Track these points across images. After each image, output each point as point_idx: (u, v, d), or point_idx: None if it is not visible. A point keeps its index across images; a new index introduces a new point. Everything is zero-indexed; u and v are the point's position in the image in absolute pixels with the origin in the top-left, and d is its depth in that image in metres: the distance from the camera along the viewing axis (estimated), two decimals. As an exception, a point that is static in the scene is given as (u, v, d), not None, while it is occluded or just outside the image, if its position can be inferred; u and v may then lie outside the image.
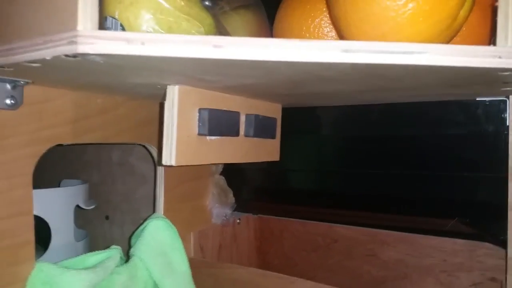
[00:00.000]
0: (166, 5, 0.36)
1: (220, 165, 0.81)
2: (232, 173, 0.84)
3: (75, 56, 0.28)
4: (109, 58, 0.29)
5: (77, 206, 0.68)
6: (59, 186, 0.79)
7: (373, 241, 0.77)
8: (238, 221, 0.87)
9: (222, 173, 0.82)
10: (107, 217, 0.88)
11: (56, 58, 0.29)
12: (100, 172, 0.87)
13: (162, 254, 0.62)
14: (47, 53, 0.29)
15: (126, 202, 0.85)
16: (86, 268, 0.51)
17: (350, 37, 0.39)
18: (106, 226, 0.88)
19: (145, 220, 0.65)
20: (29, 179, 0.46)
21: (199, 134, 0.44)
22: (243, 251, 0.89)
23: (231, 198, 0.84)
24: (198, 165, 0.75)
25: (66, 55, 0.28)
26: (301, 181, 0.83)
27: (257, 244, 0.93)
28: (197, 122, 0.44)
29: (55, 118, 0.48)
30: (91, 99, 0.53)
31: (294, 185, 0.84)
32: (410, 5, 0.34)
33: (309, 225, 0.85)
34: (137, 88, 0.48)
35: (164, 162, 0.42)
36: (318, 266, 0.84)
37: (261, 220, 0.92)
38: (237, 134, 0.49)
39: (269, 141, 0.58)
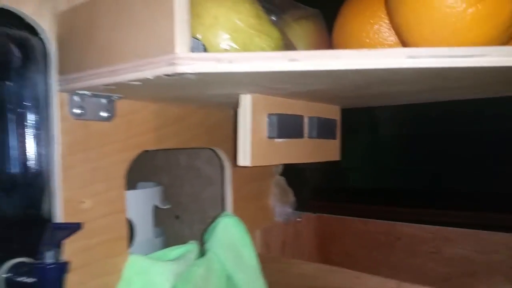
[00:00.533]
0: (240, 24, 0.41)
1: (280, 166, 0.85)
2: (292, 173, 0.88)
3: (173, 75, 0.33)
4: (201, 75, 0.33)
5: (155, 206, 0.75)
6: (135, 189, 0.86)
7: (436, 238, 0.77)
8: (299, 219, 0.91)
9: (282, 174, 0.86)
10: (177, 217, 0.94)
11: (156, 78, 0.34)
12: (169, 175, 0.93)
13: (233, 249, 0.67)
14: (149, 74, 0.34)
15: (194, 203, 0.91)
16: (170, 260, 0.57)
17: (411, 42, 0.41)
18: (176, 225, 0.94)
19: (215, 218, 0.70)
20: (122, 181, 0.52)
21: (269, 137, 0.48)
22: (305, 248, 0.92)
23: (291, 197, 0.87)
24: (260, 166, 0.80)
25: (166, 75, 0.33)
26: (360, 179, 0.85)
27: (318, 242, 0.96)
28: (267, 126, 0.48)
29: (141, 127, 0.54)
30: (169, 109, 0.59)
31: (353, 184, 0.86)
32: (470, 11, 0.36)
33: (370, 223, 0.87)
34: (211, 98, 0.53)
35: (240, 163, 0.47)
36: (381, 264, 0.86)
37: (320, 218, 0.95)
38: (301, 135, 0.53)
39: (330, 141, 0.61)
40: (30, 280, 0.43)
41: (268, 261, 0.74)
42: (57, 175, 0.45)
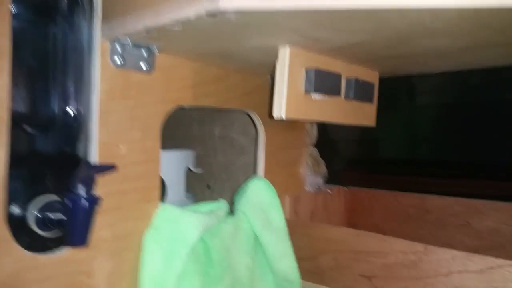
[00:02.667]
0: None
1: (314, 137, 0.86)
2: (325, 145, 0.88)
3: (214, 15, 0.34)
4: (242, 15, 0.34)
5: (188, 169, 0.77)
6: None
7: (467, 211, 0.77)
8: (329, 191, 0.92)
9: (315, 145, 0.87)
10: (208, 186, 0.97)
11: (198, 18, 0.35)
12: (203, 145, 0.96)
13: (262, 211, 0.68)
14: (191, 11, 0.35)
15: (226, 172, 0.93)
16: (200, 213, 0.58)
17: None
18: (207, 194, 0.97)
19: (247, 180, 0.71)
20: (158, 133, 0.54)
21: (306, 91, 0.49)
22: (333, 220, 0.93)
23: (323, 169, 0.88)
24: (294, 135, 0.81)
25: (208, 13, 0.34)
26: (393, 150, 0.84)
27: (347, 215, 0.96)
28: (304, 80, 0.49)
29: (179, 83, 0.56)
30: (207, 69, 0.60)
31: (385, 155, 0.86)
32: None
33: (400, 196, 0.86)
34: (249, 55, 0.54)
35: (275, 115, 0.48)
36: (409, 237, 0.85)
37: (351, 192, 0.95)
38: (338, 94, 0.54)
39: (366, 105, 0.62)
40: (60, 216, 0.45)
41: (295, 226, 0.76)
42: (95, 118, 0.47)
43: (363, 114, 0.61)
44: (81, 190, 0.44)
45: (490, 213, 0.74)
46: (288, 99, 0.48)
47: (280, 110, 0.48)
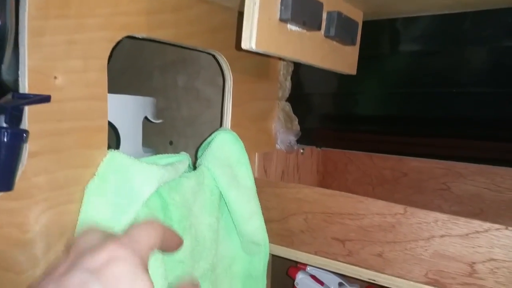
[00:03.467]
0: None
1: (288, 90, 0.78)
2: (299, 100, 0.81)
3: None
4: None
5: (146, 119, 0.68)
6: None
7: (447, 174, 0.72)
8: (301, 151, 0.85)
9: (288, 100, 0.80)
10: (171, 143, 0.88)
11: None
12: (165, 97, 0.87)
13: (228, 166, 0.61)
14: None
15: (191, 127, 0.85)
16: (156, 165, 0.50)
17: None
18: (170, 151, 0.88)
19: (212, 132, 0.64)
20: (103, 64, 0.45)
21: (281, 19, 0.41)
22: (305, 183, 0.87)
23: (295, 126, 0.81)
24: (265, 84, 0.73)
25: None
26: (371, 106, 0.78)
27: (319, 178, 0.90)
28: (280, 5, 0.41)
29: (130, 6, 0.47)
30: (166, -7, 0.51)
31: (363, 112, 0.79)
32: None
33: (376, 157, 0.81)
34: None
35: (243, 45, 0.40)
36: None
37: (324, 153, 0.89)
38: (318, 28, 0.46)
39: (348, 49, 0.54)
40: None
41: (265, 185, 0.69)
42: (24, 39, 0.38)
43: (344, 59, 0.54)
44: (5, 123, 0.36)
45: (472, 177, 0.70)
46: (260, 27, 0.39)
47: (249, 40, 0.40)
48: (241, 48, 0.41)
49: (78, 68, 0.43)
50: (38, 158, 0.40)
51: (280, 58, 0.74)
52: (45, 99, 0.39)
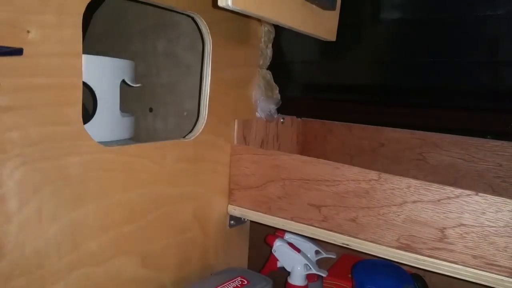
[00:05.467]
0: None
1: (268, 58, 0.78)
2: (279, 68, 0.80)
3: None
4: None
5: (124, 83, 0.67)
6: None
7: (423, 144, 0.73)
8: (282, 120, 0.85)
9: (269, 68, 0.79)
10: (150, 109, 0.87)
11: None
12: (145, 63, 0.85)
13: None
14: None
15: (170, 94, 0.84)
16: None
17: None
18: (149, 119, 0.88)
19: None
20: (79, 20, 0.44)
21: (260, -23, 0.40)
22: (284, 151, 0.87)
23: (276, 94, 0.81)
24: (245, 49, 0.72)
25: None
26: (349, 75, 0.78)
27: (298, 148, 0.91)
28: (259, -37, 0.40)
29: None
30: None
31: (342, 81, 0.79)
32: None
33: (355, 128, 0.82)
34: None
35: (219, 2, 0.39)
36: (361, 171, 0.82)
37: (304, 123, 0.90)
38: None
39: (328, 13, 0.54)
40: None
41: (243, 152, 0.69)
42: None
43: (323, 25, 0.54)
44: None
45: (447, 147, 0.71)
46: (238, -16, 0.39)
47: (226, -4, 0.39)
48: (218, 6, 0.40)
49: (52, 23, 0.42)
50: (10, 113, 0.39)
51: (261, 24, 0.73)
52: (17, 51, 0.38)
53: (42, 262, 0.45)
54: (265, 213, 0.67)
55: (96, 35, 0.90)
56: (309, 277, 0.81)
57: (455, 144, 0.70)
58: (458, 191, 0.51)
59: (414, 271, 0.74)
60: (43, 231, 0.44)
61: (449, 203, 0.51)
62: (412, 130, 0.74)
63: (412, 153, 0.74)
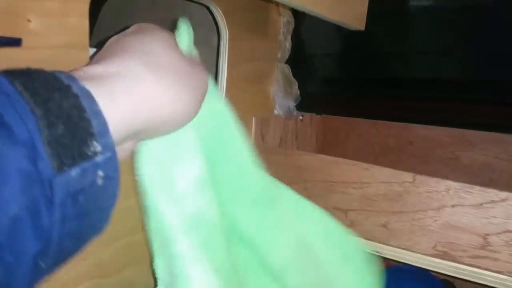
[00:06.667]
0: None
1: (287, 51, 0.73)
2: (298, 62, 0.75)
3: None
4: None
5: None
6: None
7: (456, 142, 0.68)
8: (301, 117, 0.81)
9: (287, 62, 0.74)
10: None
11: None
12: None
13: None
14: None
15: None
16: None
17: None
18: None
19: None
20: (85, 8, 0.40)
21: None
22: (304, 150, 0.83)
23: (295, 90, 0.76)
24: (263, 44, 0.68)
25: None
26: (374, 68, 0.72)
27: (318, 147, 0.86)
28: None
29: None
30: None
31: (365, 74, 0.74)
32: None
33: (380, 125, 0.77)
34: None
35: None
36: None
37: (324, 120, 0.85)
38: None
39: (357, 1, 0.49)
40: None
41: (262, 151, 0.65)
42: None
43: (352, 10, 0.49)
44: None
45: (482, 145, 0.66)
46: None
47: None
48: None
49: (55, 11, 0.37)
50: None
51: (279, 13, 0.69)
52: (15, 42, 0.33)
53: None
54: (286, 217, 0.63)
55: (105, 28, 0.86)
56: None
57: (491, 142, 0.65)
58: (503, 194, 0.46)
59: (443, 277, 0.69)
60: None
61: (493, 207, 0.46)
62: (443, 127, 0.68)
63: (444, 151, 0.69)
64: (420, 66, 0.66)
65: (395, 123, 0.74)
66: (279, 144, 0.75)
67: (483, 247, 0.47)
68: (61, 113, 0.21)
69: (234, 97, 0.62)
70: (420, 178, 0.50)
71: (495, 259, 0.47)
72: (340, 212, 0.57)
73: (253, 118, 0.67)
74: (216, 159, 0.44)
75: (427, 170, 0.71)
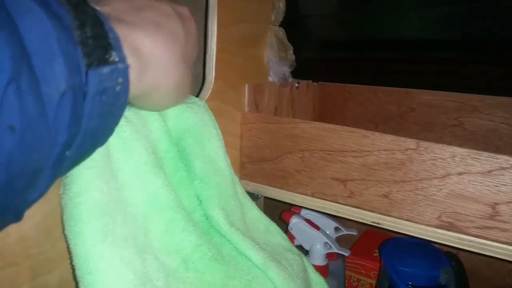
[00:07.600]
0: None
1: (282, 13, 0.68)
2: (293, 25, 0.71)
3: None
4: None
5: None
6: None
7: (460, 107, 0.64)
8: (297, 85, 0.77)
9: (281, 25, 0.70)
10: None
11: None
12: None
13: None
14: None
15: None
16: None
17: None
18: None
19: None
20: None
21: None
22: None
23: (290, 55, 0.72)
24: (257, 7, 0.63)
25: None
26: (374, 28, 0.68)
27: (315, 116, 0.82)
28: None
29: None
30: None
31: (364, 35, 0.69)
32: None
33: (380, 91, 0.73)
34: None
35: None
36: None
37: (322, 88, 0.81)
38: None
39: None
40: None
41: (256, 120, 0.61)
42: None
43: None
44: None
45: (488, 110, 0.62)
46: None
47: None
48: None
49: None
50: None
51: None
52: None
53: (31, 251, 0.38)
54: (281, 188, 0.60)
55: None
56: (329, 256, 0.75)
57: (498, 107, 0.61)
58: (514, 160, 0.42)
59: (446, 249, 0.66)
60: (30, 215, 0.37)
61: (502, 174, 0.43)
62: (447, 92, 0.64)
63: (447, 118, 0.65)
64: (423, 26, 0.62)
65: (396, 88, 0.70)
66: (274, 113, 0.72)
67: (491, 217, 0.44)
68: (88, 19, 0.23)
69: (225, 62, 0.58)
70: (424, 144, 0.47)
71: (505, 230, 0.44)
72: (339, 183, 0.54)
73: (246, 85, 0.63)
74: (192, 155, 0.46)
75: (429, 137, 0.67)
